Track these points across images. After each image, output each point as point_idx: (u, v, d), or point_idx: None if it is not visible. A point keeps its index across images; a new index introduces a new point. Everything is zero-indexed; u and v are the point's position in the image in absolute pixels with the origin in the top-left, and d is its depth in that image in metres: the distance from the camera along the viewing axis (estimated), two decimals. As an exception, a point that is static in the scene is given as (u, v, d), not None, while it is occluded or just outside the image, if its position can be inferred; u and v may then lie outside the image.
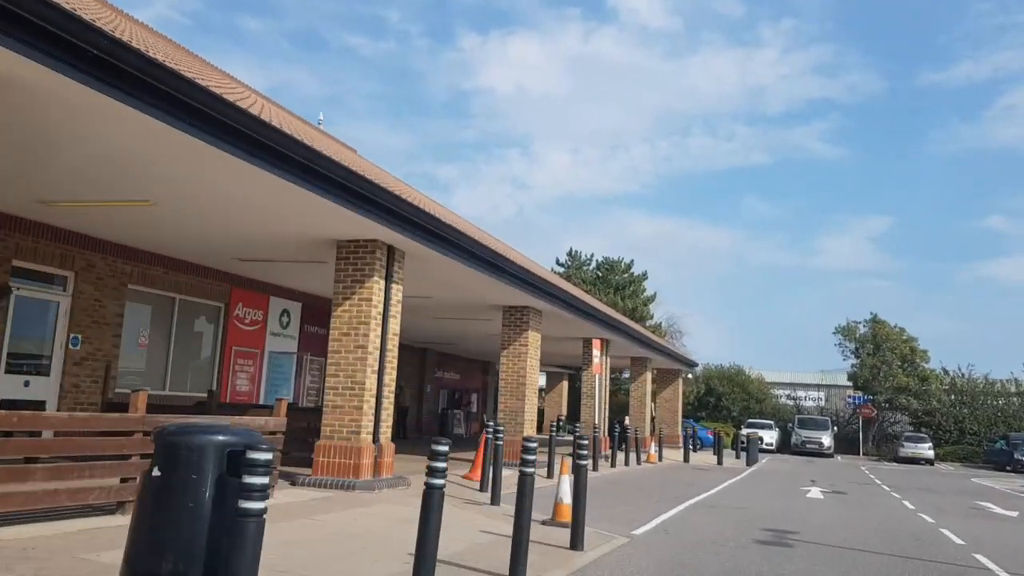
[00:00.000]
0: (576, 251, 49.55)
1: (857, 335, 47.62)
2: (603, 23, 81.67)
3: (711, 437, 39.90)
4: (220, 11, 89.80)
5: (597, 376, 22.19)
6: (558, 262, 49.61)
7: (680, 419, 34.52)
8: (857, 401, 50.49)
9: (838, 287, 76.71)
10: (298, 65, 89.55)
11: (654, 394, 35.80)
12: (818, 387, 54.13)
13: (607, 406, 24.09)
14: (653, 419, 35.84)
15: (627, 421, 28.41)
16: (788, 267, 72.04)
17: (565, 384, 42.80)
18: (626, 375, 45.50)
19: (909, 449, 40.69)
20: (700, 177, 78.16)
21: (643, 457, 24.61)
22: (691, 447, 34.57)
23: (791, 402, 51.98)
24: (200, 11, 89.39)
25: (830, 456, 41.38)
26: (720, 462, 27.25)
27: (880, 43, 77.33)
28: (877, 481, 24.81)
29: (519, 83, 79.37)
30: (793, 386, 53.62)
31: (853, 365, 47.62)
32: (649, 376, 28.33)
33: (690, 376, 36.91)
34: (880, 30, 77.33)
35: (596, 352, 21.44)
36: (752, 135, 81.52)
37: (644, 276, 47.00)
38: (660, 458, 25.83)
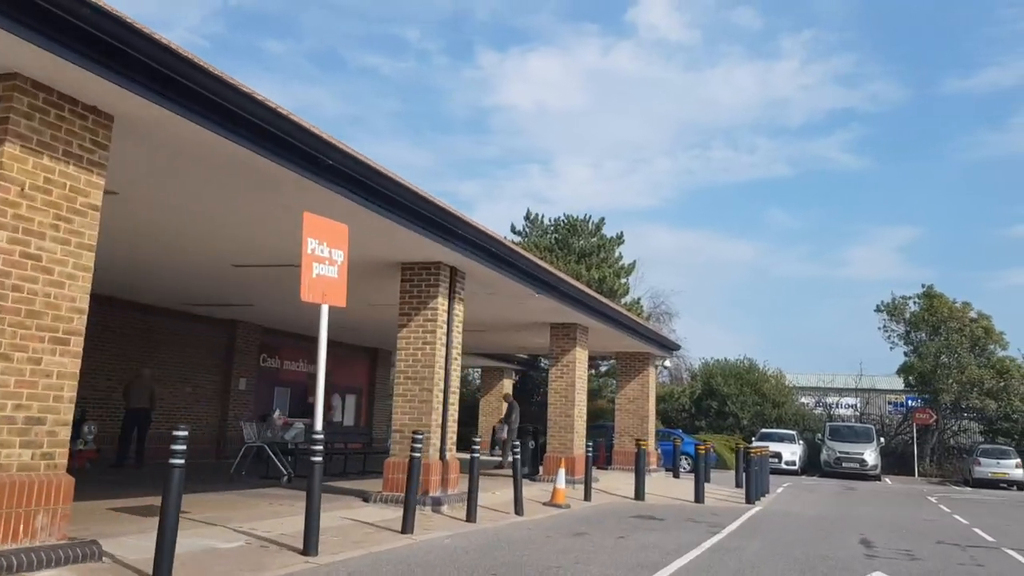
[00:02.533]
0: (536, 214, 38.78)
1: (907, 314, 36.39)
2: (621, 38, 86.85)
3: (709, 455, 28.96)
4: (241, 33, 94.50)
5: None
6: (513, 229, 38.84)
7: (652, 426, 23.51)
8: (909, 403, 39.27)
9: (865, 298, 74.69)
10: (319, 85, 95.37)
11: (597, 390, 25.05)
12: (855, 392, 42.37)
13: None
14: (594, 425, 25.14)
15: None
16: (813, 278, 70.74)
17: (507, 383, 31.91)
18: (604, 367, 34.59)
19: (988, 468, 29.51)
20: (722, 190, 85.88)
21: (575, 490, 13.83)
22: (676, 468, 23.79)
23: (820, 409, 40.64)
24: (221, 34, 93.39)
25: (876, 478, 30.25)
26: (699, 498, 16.34)
27: (902, 51, 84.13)
28: (980, 532, 13.84)
29: (539, 99, 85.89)
30: (822, 391, 42.07)
31: (906, 354, 36.41)
32: (581, 355, 17.49)
33: (667, 365, 26.26)
34: (902, 38, 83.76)
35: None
36: (774, 147, 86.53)
37: (619, 239, 36.14)
38: (588, 494, 14.97)
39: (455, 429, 12.22)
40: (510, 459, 17.47)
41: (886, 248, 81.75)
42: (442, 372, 11.89)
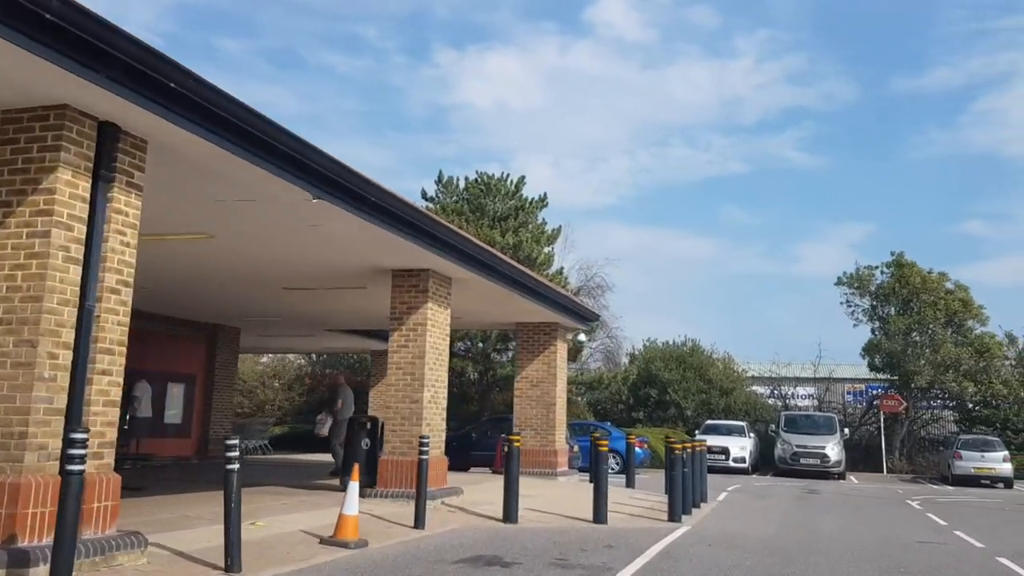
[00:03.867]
0: (450, 177, 33.52)
1: (873, 286, 31.93)
2: (579, 37, 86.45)
3: (640, 451, 24.11)
4: (196, 31, 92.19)
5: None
6: (424, 195, 33.52)
7: (560, 416, 18.49)
8: (873, 390, 34.83)
9: (819, 294, 77.35)
10: (276, 84, 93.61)
11: (492, 372, 20.37)
12: (813, 381, 37.45)
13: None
14: (494, 418, 20.46)
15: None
16: (768, 275, 76.72)
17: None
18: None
19: (970, 463, 25.16)
20: (679, 188, 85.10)
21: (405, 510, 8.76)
22: (592, 469, 18.96)
23: (774, 399, 35.87)
24: (175, 32, 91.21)
25: (840, 476, 25.71)
26: (599, 516, 11.37)
27: (854, 51, 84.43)
28: (1015, 568, 9.04)
29: (498, 98, 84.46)
30: (776, 380, 37.11)
31: (873, 331, 31.91)
32: (438, 315, 12.32)
33: (582, 339, 21.20)
34: (854, 37, 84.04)
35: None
36: (729, 145, 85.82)
37: (542, 202, 31.02)
38: (420, 517, 9.79)
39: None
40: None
41: (839, 244, 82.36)
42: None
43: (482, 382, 29.78)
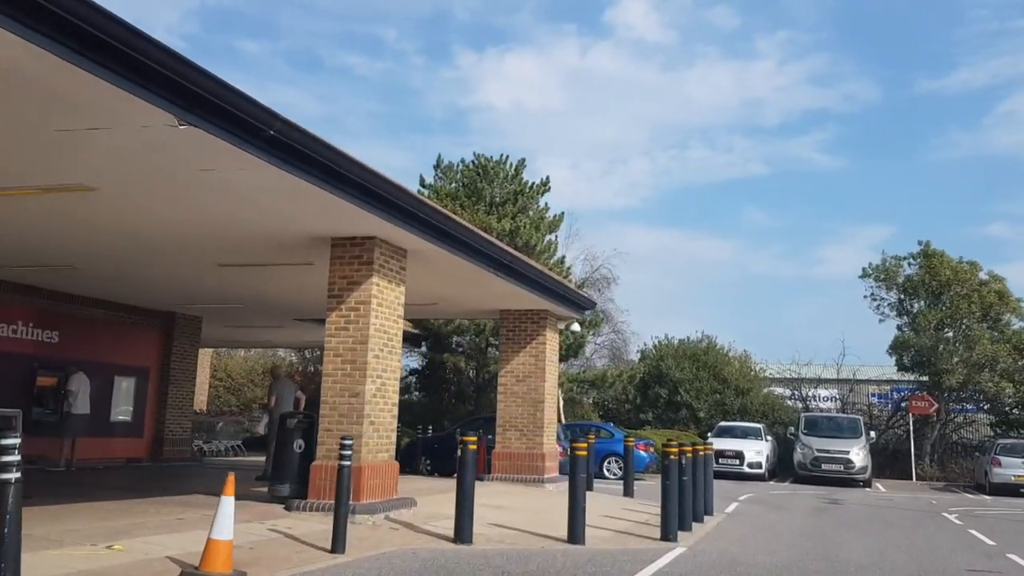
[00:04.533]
0: (449, 162, 31.52)
1: (900, 279, 29.64)
2: (599, 38, 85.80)
3: (645, 455, 22.05)
4: (218, 34, 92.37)
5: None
6: (423, 182, 31.56)
7: (550, 415, 16.48)
8: (896, 395, 32.50)
9: (840, 296, 79.56)
10: (296, 86, 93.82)
11: (488, 369, 18.53)
12: (836, 382, 34.84)
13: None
14: (481, 418, 18.74)
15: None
16: (789, 277, 75.71)
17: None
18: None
19: (1011, 470, 22.90)
20: (699, 189, 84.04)
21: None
22: (588, 477, 16.85)
23: (794, 401, 33.52)
24: (198, 34, 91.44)
25: (866, 484, 23.52)
26: (575, 535, 9.39)
27: (876, 52, 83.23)
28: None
29: (517, 99, 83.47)
30: (796, 382, 34.45)
31: (900, 327, 29.61)
32: (386, 293, 10.37)
33: (576, 329, 19.10)
34: (876, 38, 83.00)
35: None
36: (750, 147, 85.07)
37: (543, 186, 29.01)
38: (339, 539, 7.81)
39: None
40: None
41: (860, 246, 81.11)
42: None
43: (478, 379, 27.82)
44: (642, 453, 21.47)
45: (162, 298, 16.96)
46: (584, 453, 9.71)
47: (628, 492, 16.26)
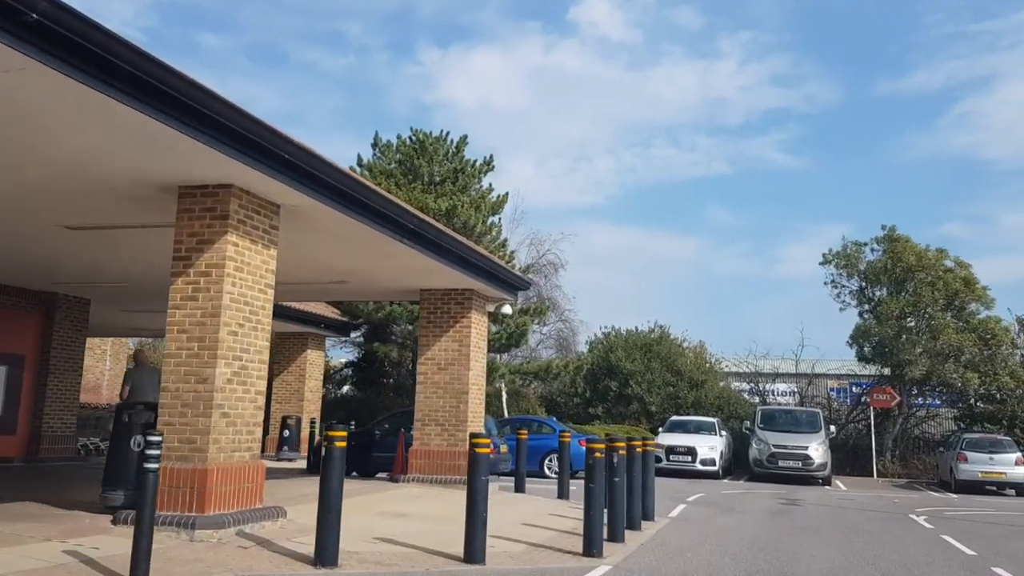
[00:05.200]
0: (388, 141, 29.48)
1: (862, 266, 28.29)
2: (564, 36, 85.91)
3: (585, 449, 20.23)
4: (177, 27, 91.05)
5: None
6: (360, 162, 29.48)
7: (477, 407, 14.66)
8: (854, 389, 31.17)
9: (799, 295, 79.68)
10: (259, 80, 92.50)
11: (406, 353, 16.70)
12: (794, 377, 33.27)
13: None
14: (403, 412, 17.20)
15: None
16: (752, 275, 75.74)
17: (311, 354, 22.92)
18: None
19: (977, 466, 21.61)
20: (664, 188, 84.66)
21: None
22: (519, 476, 15.35)
23: (751, 395, 31.97)
24: (156, 28, 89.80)
25: (825, 482, 22.08)
26: (473, 553, 7.58)
27: (836, 53, 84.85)
28: None
29: (481, 96, 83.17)
30: (753, 376, 32.76)
31: (862, 314, 28.24)
32: (240, 252, 8.45)
33: (508, 312, 17.37)
34: (836, 40, 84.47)
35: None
36: (714, 146, 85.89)
37: (487, 165, 27.15)
38: (139, 570, 5.83)
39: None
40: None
41: (821, 245, 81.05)
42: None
43: (413, 372, 25.85)
44: (583, 449, 19.71)
45: (33, 275, 14.84)
46: (486, 451, 7.87)
47: (563, 494, 14.52)
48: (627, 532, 9.77)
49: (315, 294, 16.20)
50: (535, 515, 11.40)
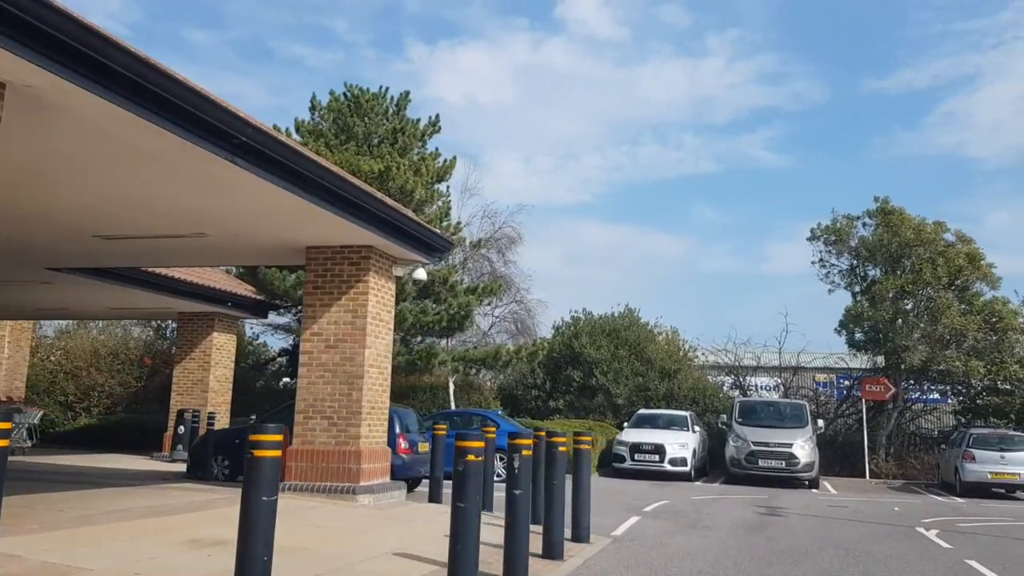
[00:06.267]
0: (324, 103, 26.38)
1: (854, 242, 25.43)
2: (551, 33, 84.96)
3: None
4: (163, 22, 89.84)
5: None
6: (298, 126, 26.32)
7: (377, 397, 11.60)
8: (845, 380, 28.31)
9: (786, 292, 77.69)
10: (245, 76, 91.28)
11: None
12: (778, 369, 30.35)
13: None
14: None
15: None
16: (739, 272, 73.81)
17: (218, 338, 19.76)
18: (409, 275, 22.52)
19: (986, 466, 18.87)
20: (651, 186, 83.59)
21: None
22: (433, 482, 12.24)
23: (730, 389, 28.97)
24: (142, 22, 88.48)
25: (812, 484, 19.28)
26: None
27: (823, 51, 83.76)
28: None
29: (469, 93, 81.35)
30: (733, 368, 29.67)
31: (854, 296, 25.34)
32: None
33: (421, 277, 14.41)
34: (823, 38, 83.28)
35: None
36: (700, 144, 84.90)
37: (434, 126, 24.12)
38: None
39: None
40: None
41: (806, 243, 78.98)
42: None
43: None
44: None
45: None
46: (264, 453, 4.85)
47: (486, 505, 11.51)
48: (545, 563, 6.82)
49: (181, 255, 13.05)
50: (422, 538, 8.43)
